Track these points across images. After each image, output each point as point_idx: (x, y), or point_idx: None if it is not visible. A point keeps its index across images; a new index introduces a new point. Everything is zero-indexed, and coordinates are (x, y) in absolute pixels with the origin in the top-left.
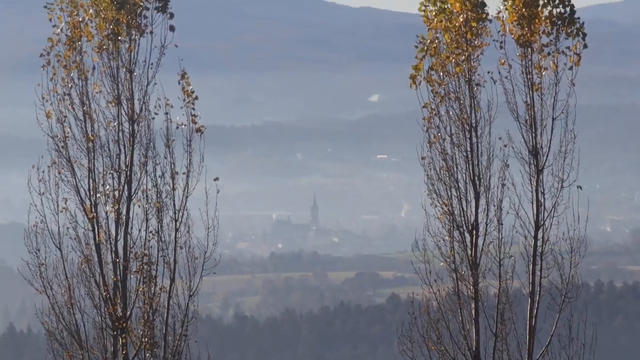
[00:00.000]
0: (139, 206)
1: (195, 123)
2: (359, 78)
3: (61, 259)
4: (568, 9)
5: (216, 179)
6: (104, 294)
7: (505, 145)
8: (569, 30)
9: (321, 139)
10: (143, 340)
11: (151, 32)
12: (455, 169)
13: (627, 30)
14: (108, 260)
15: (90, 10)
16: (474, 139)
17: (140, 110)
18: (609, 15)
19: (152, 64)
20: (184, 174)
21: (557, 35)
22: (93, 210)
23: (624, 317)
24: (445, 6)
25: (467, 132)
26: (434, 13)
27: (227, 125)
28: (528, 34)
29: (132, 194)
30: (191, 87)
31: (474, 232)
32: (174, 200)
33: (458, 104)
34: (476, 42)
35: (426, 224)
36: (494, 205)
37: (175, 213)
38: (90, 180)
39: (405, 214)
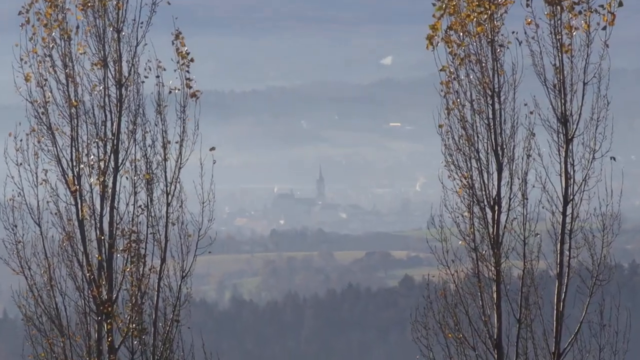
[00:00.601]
0: (126, 178)
1: (190, 87)
2: (371, 39)
3: (40, 236)
4: None
5: (212, 149)
6: (88, 275)
7: (532, 112)
8: None
9: (329, 105)
10: (130, 326)
11: None
12: (475, 138)
13: None
14: (92, 237)
15: None
16: (497, 105)
17: (129, 74)
18: None
19: (142, 22)
20: (176, 143)
21: None
22: (76, 182)
23: None
24: None
25: (489, 98)
26: None
27: (225, 90)
28: None
29: (119, 164)
30: (186, 48)
31: (496, 207)
32: (165, 172)
33: (479, 67)
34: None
35: (443, 199)
36: (518, 178)
37: (166, 186)
38: (73, 150)
39: (420, 188)
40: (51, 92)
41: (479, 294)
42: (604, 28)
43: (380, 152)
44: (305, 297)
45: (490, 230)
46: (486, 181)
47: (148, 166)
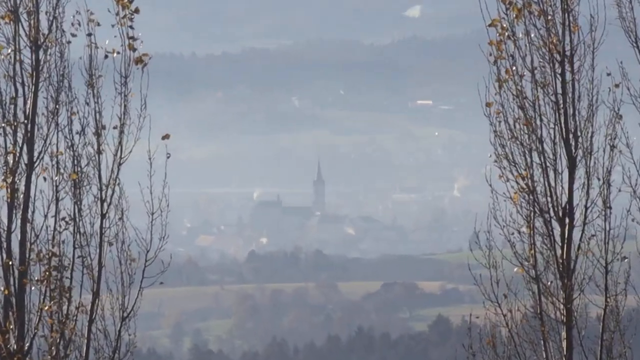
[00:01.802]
0: (44, 179)
1: (135, 50)
2: None
3: None
4: None
5: (166, 137)
6: None
7: (617, 85)
8: None
9: (331, 75)
10: None
11: None
12: (538, 121)
13: None
14: None
15: None
16: (568, 76)
17: (49, 30)
18: None
19: None
20: (115, 128)
21: None
22: None
23: None
24: None
25: (557, 65)
26: None
27: (184, 54)
28: None
29: (34, 160)
30: None
31: (567, 220)
32: (99, 170)
33: (544, 21)
34: None
35: (492, 208)
36: (599, 179)
37: (101, 190)
38: None
39: (459, 192)
40: None
41: (542, 342)
42: None
43: (404, 142)
44: (297, 346)
45: (559, 252)
46: (553, 183)
47: (75, 162)
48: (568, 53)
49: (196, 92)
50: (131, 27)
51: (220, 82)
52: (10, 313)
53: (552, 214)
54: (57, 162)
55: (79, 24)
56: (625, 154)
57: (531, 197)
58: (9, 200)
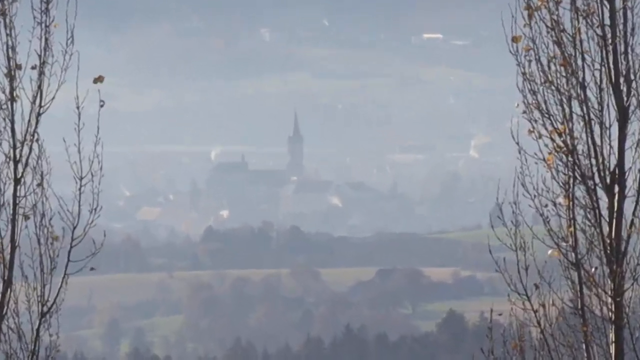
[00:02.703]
0: None
1: None
2: None
3: None
4: None
5: (99, 81)
6: None
7: None
8: None
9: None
10: None
11: None
12: (580, 61)
13: None
14: None
15: None
16: (618, 2)
17: None
18: None
19: None
20: (34, 69)
21: None
22: None
23: None
24: None
25: None
26: None
27: None
28: None
29: None
30: None
31: (617, 188)
32: (12, 122)
33: None
34: None
35: (520, 173)
36: None
37: (14, 148)
38: None
39: (476, 152)
40: None
41: (584, 345)
42: None
43: (406, 89)
44: (268, 350)
45: (606, 230)
46: (598, 141)
47: None
48: None
49: (137, 24)
50: None
51: (168, 11)
52: None
53: (597, 180)
54: None
55: None
56: None
57: (570, 158)
58: None
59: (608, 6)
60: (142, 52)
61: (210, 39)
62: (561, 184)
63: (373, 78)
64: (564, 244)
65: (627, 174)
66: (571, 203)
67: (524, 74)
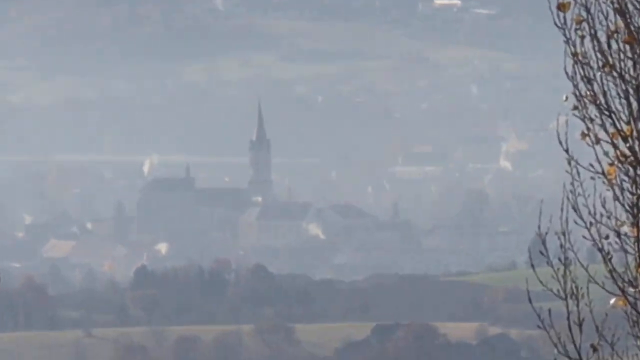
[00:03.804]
0: None
1: None
2: None
3: None
4: None
5: None
6: None
7: None
8: None
9: None
10: None
11: None
12: None
13: None
14: None
15: None
16: None
17: None
18: None
19: None
20: None
21: None
22: None
23: None
24: None
25: None
26: None
27: None
28: None
29: None
30: None
31: None
32: None
33: None
34: None
35: (570, 192)
36: None
37: None
38: None
39: (509, 162)
40: None
41: None
42: None
43: (410, 75)
44: None
45: None
46: None
47: None
48: None
49: None
50: None
51: None
52: None
53: None
54: None
55: None
56: None
57: (639, 171)
58: None
59: None
60: (47, 26)
61: (141, 8)
62: (627, 207)
63: (366, 60)
64: (631, 289)
65: None
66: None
67: (574, 55)
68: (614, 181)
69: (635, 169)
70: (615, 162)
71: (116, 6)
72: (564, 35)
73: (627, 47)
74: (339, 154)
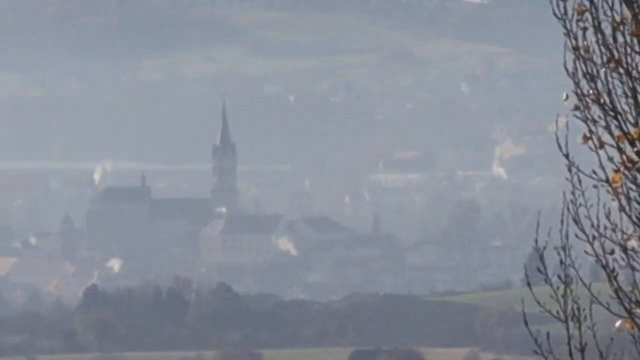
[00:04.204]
0: None
1: None
2: None
3: None
4: None
5: None
6: None
7: None
8: None
9: None
10: None
11: None
12: None
13: None
14: None
15: None
16: None
17: None
18: None
19: None
20: None
21: None
22: None
23: None
24: None
25: None
26: None
27: None
28: None
29: None
30: None
31: None
32: None
33: None
34: None
35: (570, 202)
36: None
37: None
38: None
39: (503, 168)
40: None
41: None
42: None
43: (394, 70)
44: None
45: None
46: None
47: None
48: None
49: None
50: None
51: None
52: None
53: None
54: None
55: None
56: None
57: None
58: None
59: None
60: None
61: None
62: (635, 219)
63: (344, 55)
64: (639, 310)
65: None
66: None
67: (575, 49)
68: (619, 190)
69: None
70: (621, 169)
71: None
72: (564, 27)
73: (635, 40)
74: (312, 160)
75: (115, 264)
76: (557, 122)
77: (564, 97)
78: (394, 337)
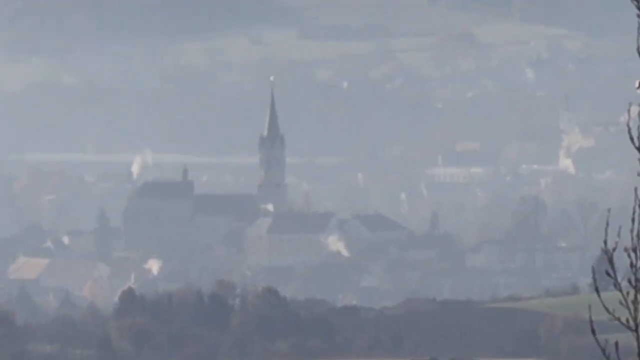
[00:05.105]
0: None
1: None
2: None
3: None
4: None
5: None
6: None
7: None
8: None
9: None
10: None
11: None
12: None
13: None
14: None
15: None
16: None
17: None
18: None
19: None
20: None
21: None
22: None
23: None
24: None
25: None
26: None
27: None
28: None
29: None
30: None
31: None
32: None
33: None
34: None
35: None
36: None
37: None
38: None
39: (571, 161)
40: None
41: None
42: None
43: (454, 55)
44: None
45: None
46: None
47: None
48: None
49: None
50: None
51: None
52: None
53: None
54: None
55: None
56: None
57: None
58: None
59: None
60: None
61: None
62: None
63: (400, 38)
64: None
65: None
66: None
67: None
68: None
69: None
70: None
71: None
72: (638, 7)
73: None
74: (366, 153)
75: (153, 266)
76: (629, 111)
77: (636, 84)
78: (452, 347)
